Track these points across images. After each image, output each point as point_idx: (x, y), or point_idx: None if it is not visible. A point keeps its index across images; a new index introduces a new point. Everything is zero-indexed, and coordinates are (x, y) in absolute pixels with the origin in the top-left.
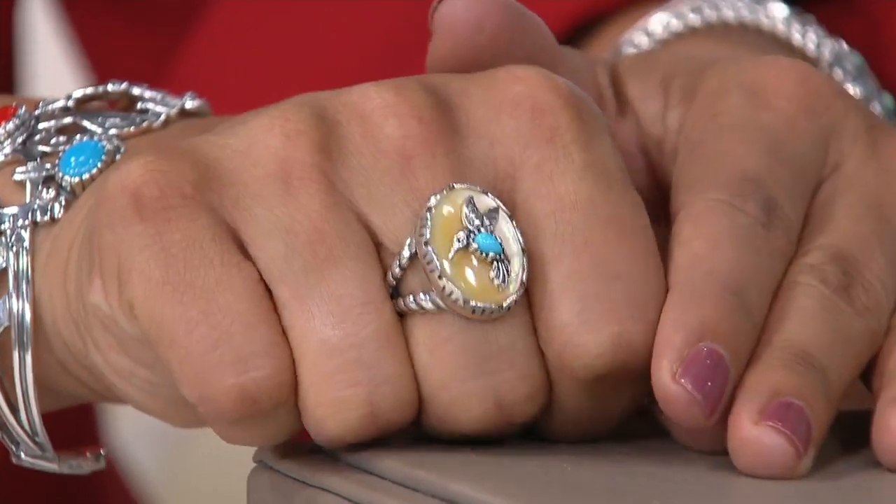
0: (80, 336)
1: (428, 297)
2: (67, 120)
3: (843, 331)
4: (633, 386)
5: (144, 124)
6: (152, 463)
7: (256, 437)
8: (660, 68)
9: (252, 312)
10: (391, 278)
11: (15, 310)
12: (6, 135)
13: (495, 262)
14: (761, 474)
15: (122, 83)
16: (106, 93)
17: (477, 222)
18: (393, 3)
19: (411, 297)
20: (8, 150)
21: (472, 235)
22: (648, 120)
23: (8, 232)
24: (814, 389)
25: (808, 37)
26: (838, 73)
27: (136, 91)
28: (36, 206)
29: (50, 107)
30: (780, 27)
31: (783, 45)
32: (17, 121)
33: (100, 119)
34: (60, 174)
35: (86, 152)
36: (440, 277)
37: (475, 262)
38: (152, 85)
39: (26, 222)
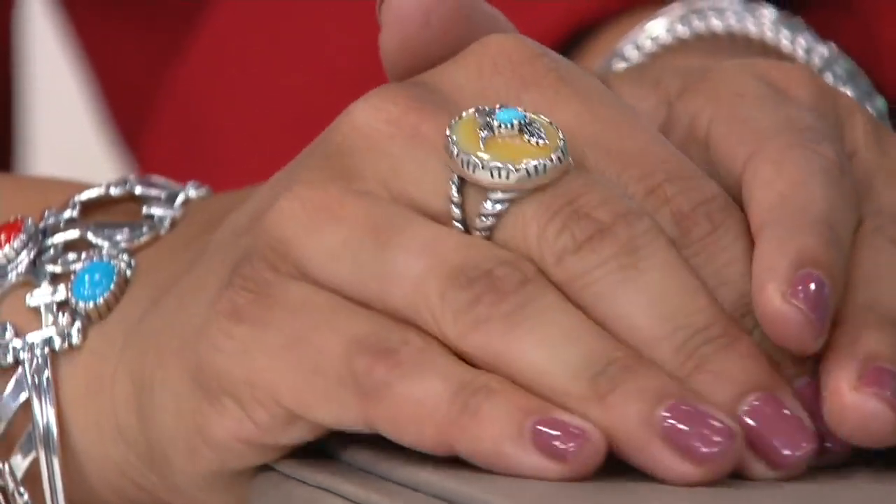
0: (150, 463)
1: (491, 202)
2: (74, 233)
3: None
4: None
5: (153, 233)
6: None
7: None
8: (652, 74)
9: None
10: (455, 223)
11: (41, 438)
12: (15, 253)
13: (524, 129)
14: (861, 442)
15: (124, 184)
16: (108, 196)
17: (491, 114)
18: None
19: (479, 219)
20: (21, 269)
21: (490, 119)
22: (645, 116)
23: (27, 362)
24: None
25: (798, 42)
26: (829, 78)
27: (138, 191)
28: (54, 334)
29: (55, 218)
30: (769, 34)
31: (772, 53)
32: (23, 237)
33: (106, 232)
34: (74, 300)
35: (97, 272)
36: (483, 168)
37: (507, 139)
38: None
39: (45, 350)
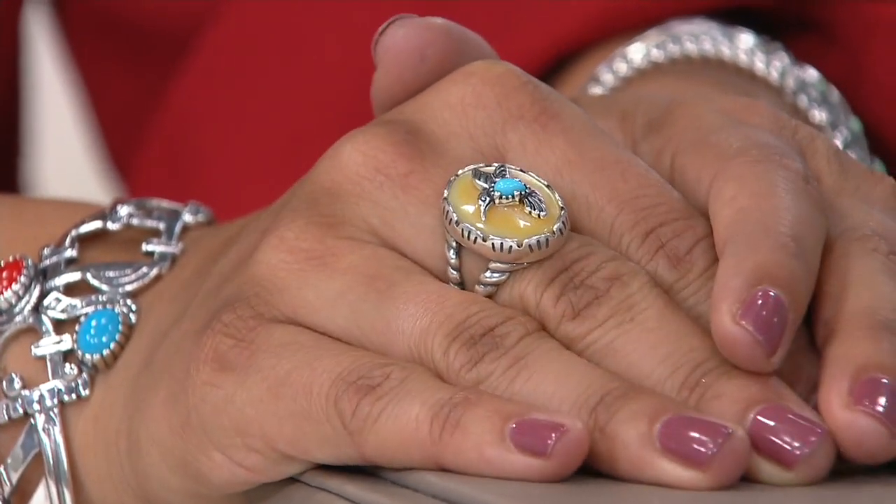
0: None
1: (491, 272)
2: (75, 275)
3: None
4: None
5: (153, 273)
6: None
7: None
8: (619, 106)
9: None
10: (452, 286)
11: (55, 490)
12: (17, 297)
13: (525, 199)
14: (858, 459)
15: (120, 217)
16: (105, 230)
17: (490, 180)
18: None
19: (479, 286)
20: (26, 313)
21: (490, 190)
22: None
23: (37, 415)
24: None
25: (773, 65)
26: (803, 100)
27: (135, 222)
28: (62, 386)
29: (56, 258)
30: (743, 57)
31: (745, 76)
32: (24, 280)
33: (107, 275)
34: (81, 352)
35: (102, 317)
36: (485, 240)
37: (507, 209)
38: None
39: (55, 402)
